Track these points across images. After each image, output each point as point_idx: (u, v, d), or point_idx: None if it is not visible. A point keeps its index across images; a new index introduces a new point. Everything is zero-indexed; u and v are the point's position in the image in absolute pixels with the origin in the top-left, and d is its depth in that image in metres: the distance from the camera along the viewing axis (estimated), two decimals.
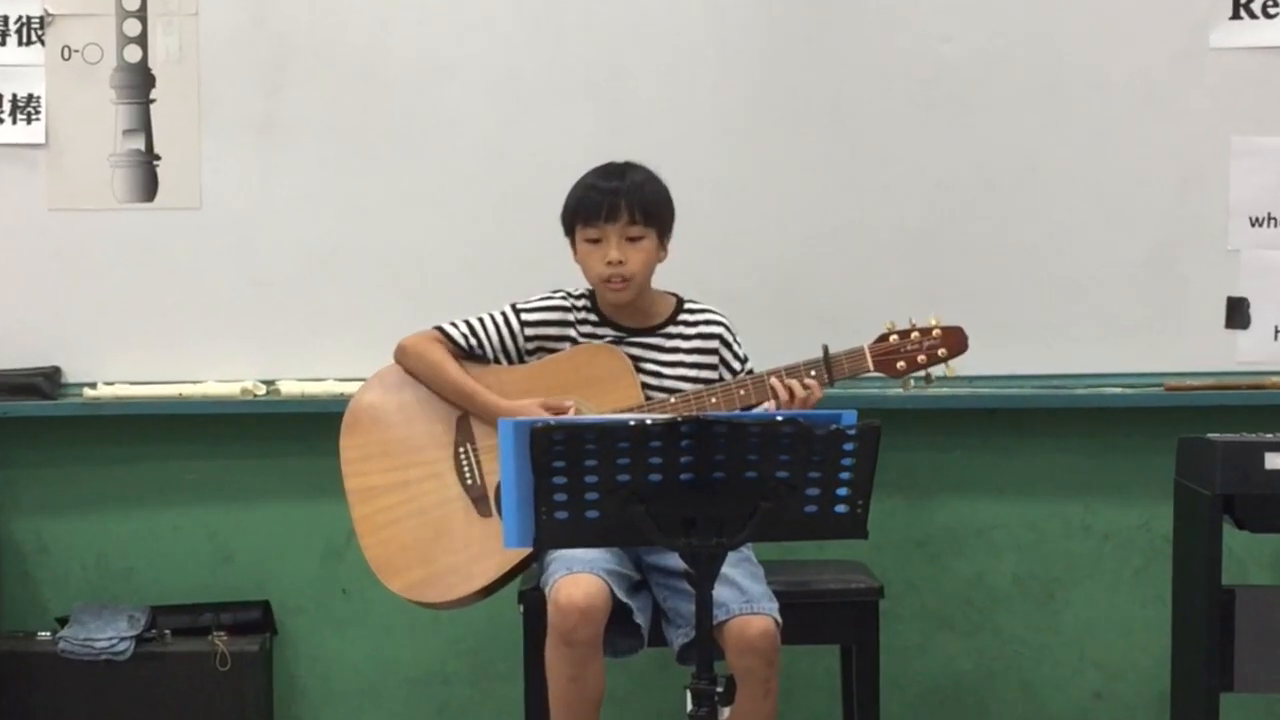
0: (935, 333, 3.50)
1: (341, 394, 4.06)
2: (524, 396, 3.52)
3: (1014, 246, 4.25)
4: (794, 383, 3.42)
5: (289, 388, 4.26)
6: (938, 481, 4.36)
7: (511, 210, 4.24)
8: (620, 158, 3.62)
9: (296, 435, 4.29)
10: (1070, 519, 4.36)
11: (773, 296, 4.22)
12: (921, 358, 3.49)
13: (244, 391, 4.25)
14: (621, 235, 3.48)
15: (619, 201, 3.48)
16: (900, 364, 3.49)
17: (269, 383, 4.27)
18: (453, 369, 3.55)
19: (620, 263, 3.48)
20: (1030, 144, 4.23)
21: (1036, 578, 4.37)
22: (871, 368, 3.50)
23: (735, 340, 3.63)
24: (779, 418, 2.82)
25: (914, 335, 3.50)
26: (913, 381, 3.52)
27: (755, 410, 3.46)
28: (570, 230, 3.54)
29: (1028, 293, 4.25)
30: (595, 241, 3.49)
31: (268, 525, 4.38)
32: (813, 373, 3.46)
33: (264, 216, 4.28)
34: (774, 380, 3.43)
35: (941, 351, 3.49)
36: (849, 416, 2.86)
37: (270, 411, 4.27)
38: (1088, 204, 4.23)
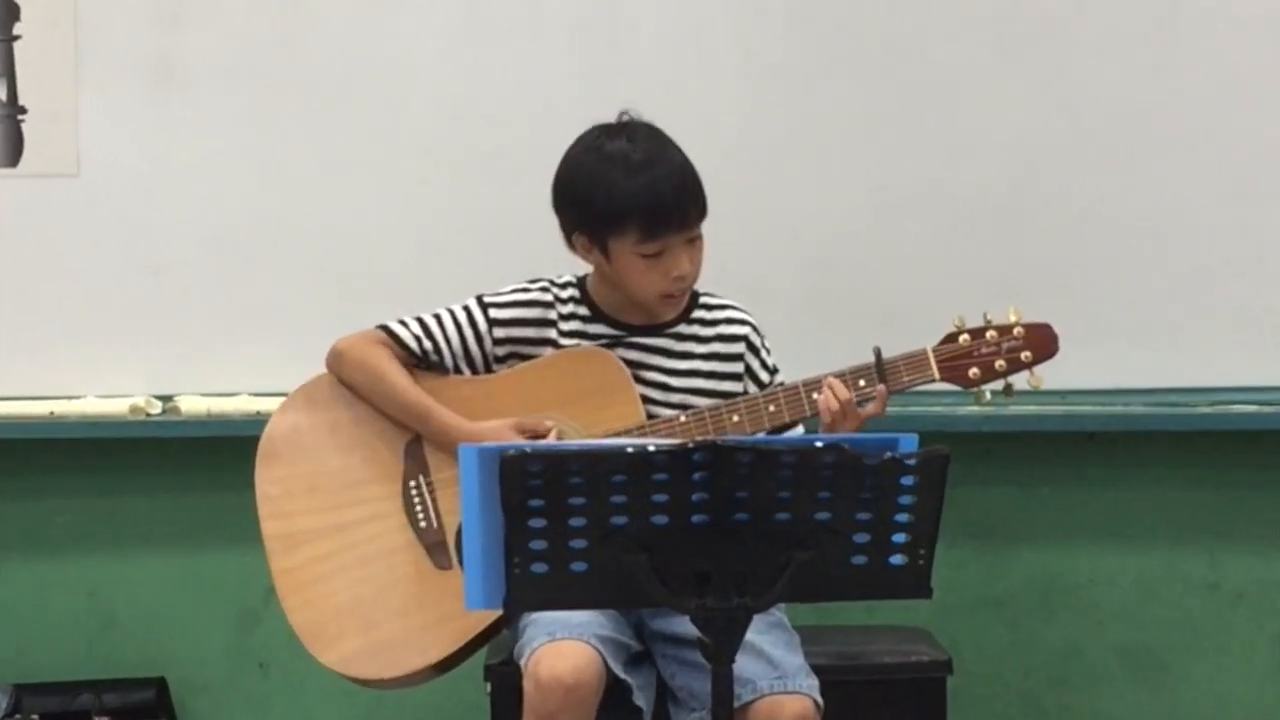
0: (1017, 332, 3.50)
1: (258, 412, 4.07)
2: (494, 415, 3.53)
3: (1117, 224, 4.26)
4: (836, 383, 3.42)
5: (191, 405, 4.27)
6: (1021, 525, 4.37)
7: (473, 180, 4.25)
8: (613, 112, 3.59)
9: (200, 465, 4.30)
10: (1191, 573, 4.37)
11: (810, 286, 4.25)
12: (1000, 363, 3.50)
13: (134, 410, 4.26)
14: (686, 240, 3.50)
15: (688, 208, 3.48)
16: (973, 371, 3.50)
17: (165, 398, 4.28)
18: (401, 380, 3.55)
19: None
20: (1138, 94, 4.24)
21: (1148, 648, 4.38)
22: (937, 376, 3.50)
23: (764, 346, 3.64)
24: (819, 443, 2.81)
25: (990, 335, 3.50)
26: (989, 394, 3.52)
27: (790, 434, 3.47)
28: (598, 238, 3.52)
29: (1136, 282, 4.26)
30: (655, 256, 3.50)
31: (163, 581, 4.39)
32: (861, 382, 3.46)
33: (159, 186, 4.29)
34: (823, 390, 3.42)
35: (1025, 356, 3.50)
36: (908, 442, 2.86)
37: (167, 435, 4.28)
38: (1212, 169, 4.25)
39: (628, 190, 3.46)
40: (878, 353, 3.47)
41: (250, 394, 4.23)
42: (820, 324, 4.15)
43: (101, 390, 4.28)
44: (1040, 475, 4.35)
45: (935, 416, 4.11)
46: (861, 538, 2.84)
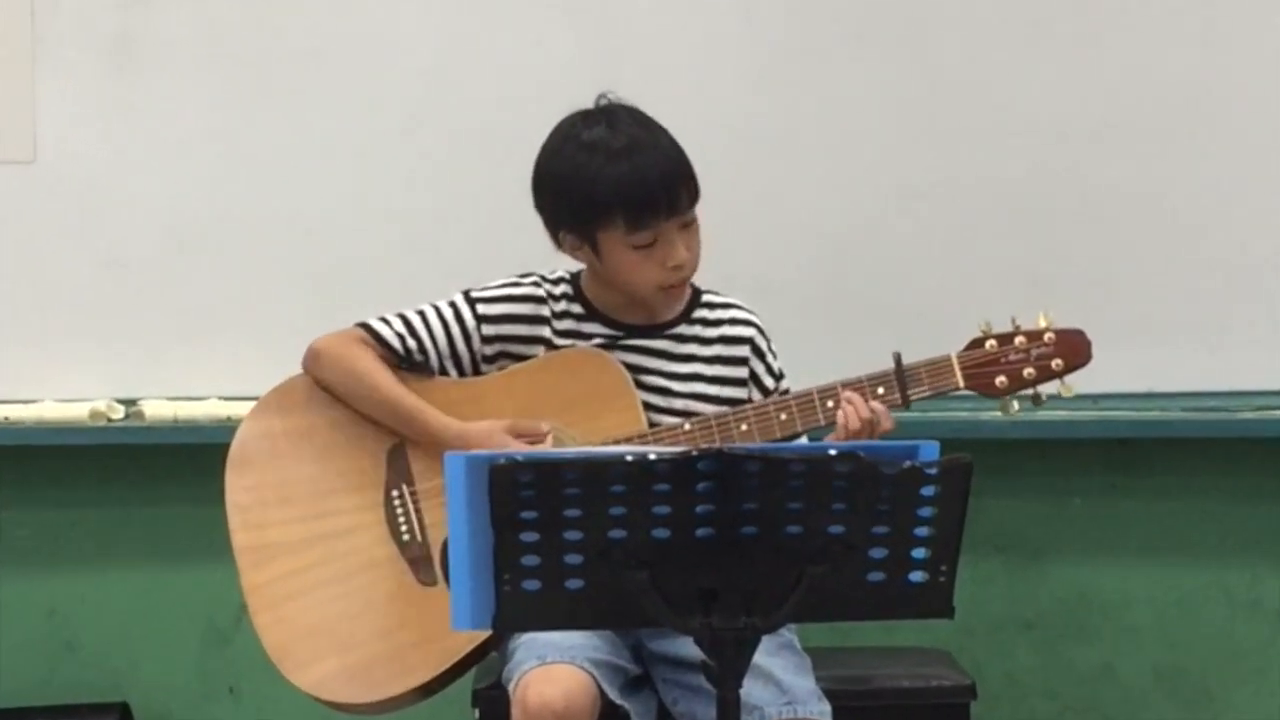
0: (1047, 338, 3.51)
1: (228, 418, 4.08)
2: (483, 420, 3.52)
3: (1153, 217, 4.27)
4: (857, 398, 3.42)
5: (156, 409, 4.27)
6: (1050, 539, 4.37)
7: (460, 167, 4.26)
8: (608, 90, 3.59)
9: (166, 474, 4.31)
10: (1233, 591, 4.38)
11: (821, 286, 4.25)
12: (1029, 371, 3.50)
13: (94, 414, 4.25)
14: (679, 226, 3.49)
15: (678, 191, 3.46)
16: (1000, 379, 3.50)
17: (128, 402, 4.28)
18: (385, 379, 3.54)
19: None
20: (1179, 75, 4.25)
21: (1185, 671, 4.39)
22: (961, 385, 3.50)
23: (770, 349, 3.63)
24: (833, 451, 2.81)
25: (1018, 341, 3.50)
26: (1016, 403, 3.53)
27: (800, 442, 3.47)
28: (585, 233, 3.51)
29: (1175, 281, 4.27)
30: (648, 247, 3.50)
31: (127, 599, 4.39)
32: (880, 390, 3.46)
33: (121, 173, 4.30)
34: (845, 400, 3.42)
35: (1056, 364, 3.50)
36: (929, 450, 2.85)
37: (130, 442, 4.28)
38: (1256, 157, 4.25)
39: (610, 178, 3.44)
40: (898, 359, 3.46)
41: (220, 398, 4.23)
42: (833, 326, 4.15)
43: (59, 394, 4.28)
44: (1071, 485, 4.36)
45: (958, 422, 4.10)
46: (878, 552, 2.84)
